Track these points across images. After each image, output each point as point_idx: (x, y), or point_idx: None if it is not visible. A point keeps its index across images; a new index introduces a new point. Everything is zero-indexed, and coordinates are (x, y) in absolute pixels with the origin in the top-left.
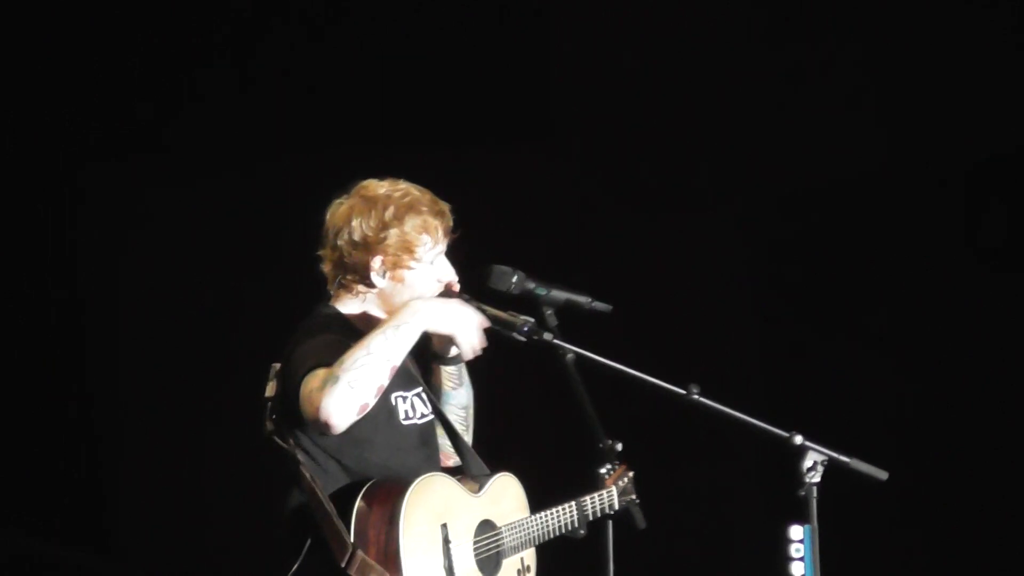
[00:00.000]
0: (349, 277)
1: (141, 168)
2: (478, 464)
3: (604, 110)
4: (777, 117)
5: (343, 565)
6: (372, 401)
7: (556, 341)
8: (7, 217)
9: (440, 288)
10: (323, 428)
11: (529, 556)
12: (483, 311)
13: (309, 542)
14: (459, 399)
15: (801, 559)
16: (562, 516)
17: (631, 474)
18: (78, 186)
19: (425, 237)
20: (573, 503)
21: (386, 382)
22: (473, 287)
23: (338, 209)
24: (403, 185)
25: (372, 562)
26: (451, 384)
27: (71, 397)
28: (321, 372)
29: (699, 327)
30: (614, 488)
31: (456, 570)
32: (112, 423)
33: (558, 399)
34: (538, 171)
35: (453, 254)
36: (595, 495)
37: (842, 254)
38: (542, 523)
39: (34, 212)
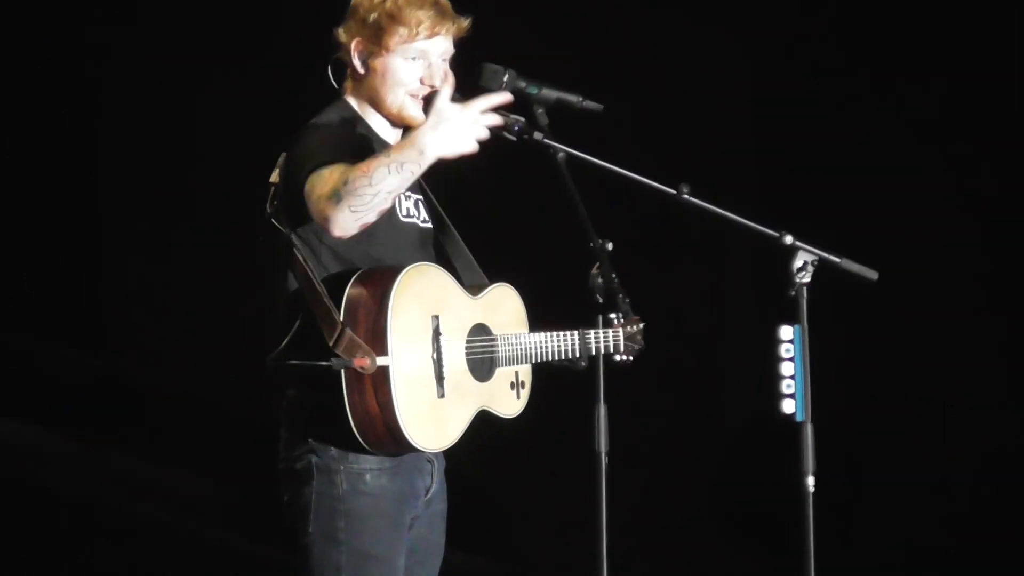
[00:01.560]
0: (346, 63)
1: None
2: (479, 277)
3: None
4: None
5: (331, 343)
6: (373, 219)
7: (547, 140)
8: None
9: (422, 88)
10: (329, 233)
11: (524, 372)
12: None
13: (298, 321)
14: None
15: (791, 359)
16: (563, 341)
17: (642, 325)
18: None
19: (400, 28)
20: (576, 332)
21: (387, 207)
22: (465, 86)
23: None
24: None
25: (360, 341)
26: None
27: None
28: (325, 173)
29: (693, 128)
30: (621, 331)
31: (444, 363)
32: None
33: (550, 201)
34: None
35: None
36: (602, 331)
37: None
38: (542, 342)
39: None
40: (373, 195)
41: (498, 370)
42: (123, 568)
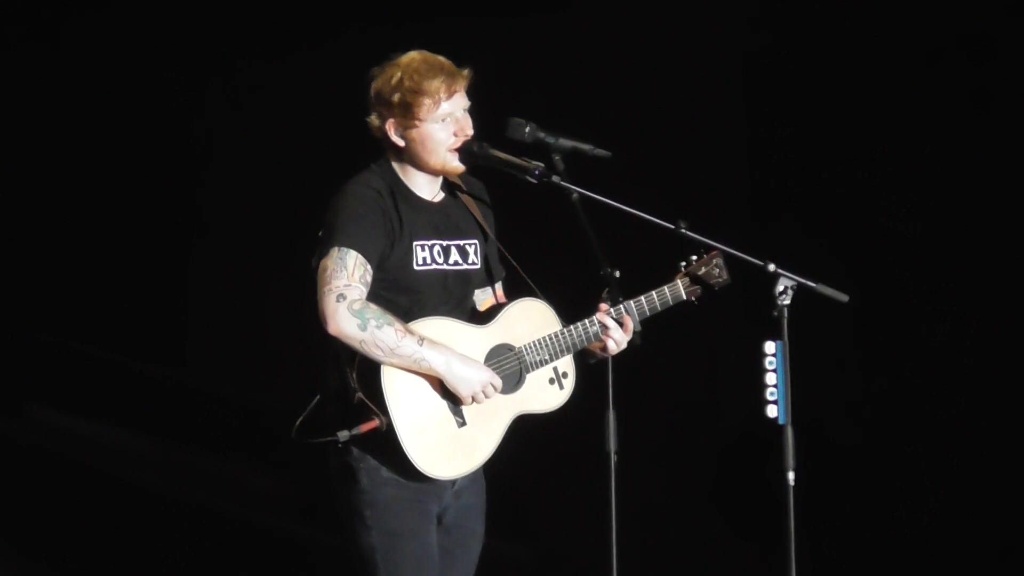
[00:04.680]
0: (381, 137)
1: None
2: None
3: None
4: None
5: (353, 403)
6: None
7: (563, 183)
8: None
9: (457, 140)
10: (322, 321)
11: (565, 363)
12: (500, 157)
13: (329, 378)
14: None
15: (774, 370)
16: (590, 328)
17: (717, 258)
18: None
19: (424, 99)
20: (619, 305)
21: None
22: (493, 137)
23: (371, 77)
24: (414, 54)
25: (370, 404)
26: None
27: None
28: (335, 253)
29: (690, 172)
30: (678, 282)
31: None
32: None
33: (567, 234)
34: (549, 39)
35: (477, 111)
36: (654, 292)
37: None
38: (575, 332)
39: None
40: (383, 355)
41: (529, 375)
42: (198, 553)
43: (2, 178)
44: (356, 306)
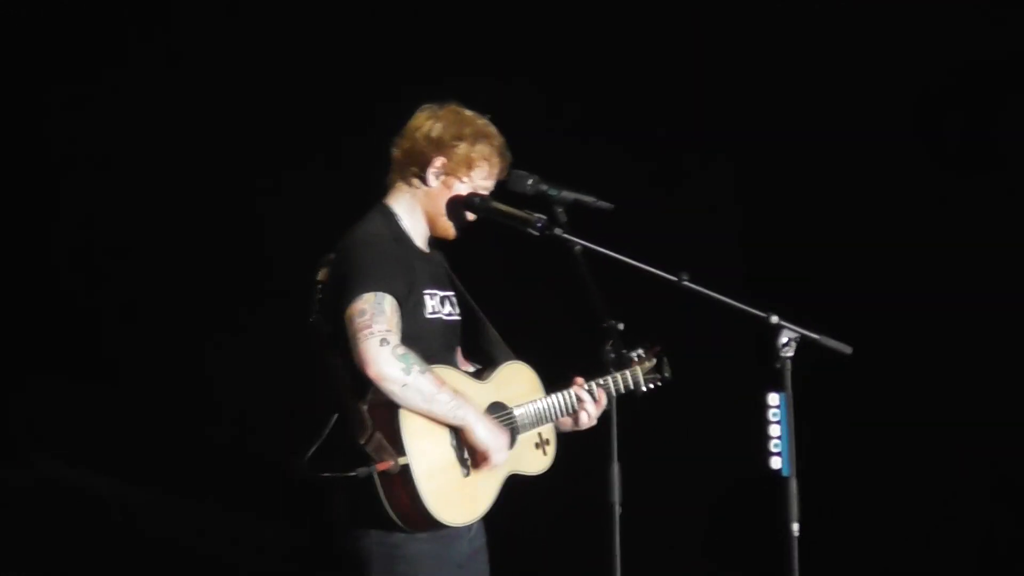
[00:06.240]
0: (412, 168)
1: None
2: (506, 353)
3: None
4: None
5: (362, 442)
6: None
7: (565, 235)
8: None
9: (465, 223)
10: (361, 366)
11: (547, 431)
12: (503, 210)
13: (335, 419)
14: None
15: (777, 422)
16: (570, 398)
17: (660, 357)
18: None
19: (484, 164)
20: (593, 383)
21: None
22: (496, 190)
23: (426, 112)
24: (485, 121)
25: (387, 444)
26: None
27: None
28: (371, 298)
29: (688, 224)
30: (638, 368)
31: (465, 447)
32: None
33: (567, 286)
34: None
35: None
36: (618, 374)
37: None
38: (558, 401)
39: None
40: (422, 401)
41: (520, 436)
42: None
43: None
44: (399, 351)
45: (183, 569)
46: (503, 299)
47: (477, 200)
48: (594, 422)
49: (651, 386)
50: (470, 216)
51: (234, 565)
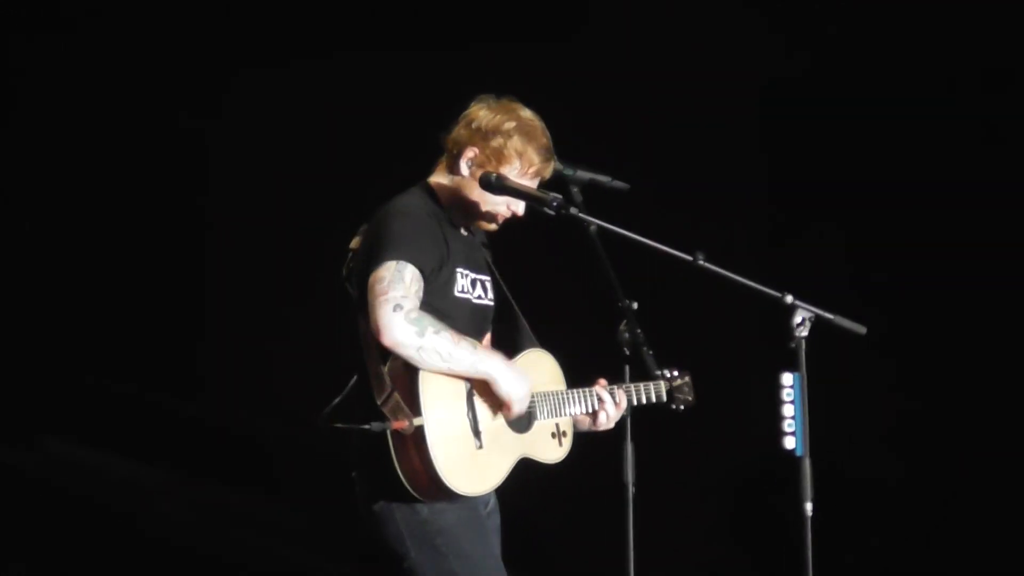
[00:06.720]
0: (452, 153)
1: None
2: (533, 344)
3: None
4: None
5: (379, 402)
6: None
7: (581, 214)
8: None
9: (504, 215)
10: (375, 332)
11: (565, 423)
12: (519, 189)
13: (355, 378)
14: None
15: (791, 401)
16: (591, 397)
17: (688, 380)
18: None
19: (516, 160)
20: (615, 387)
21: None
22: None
23: (482, 102)
24: (537, 119)
25: (403, 404)
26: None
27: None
28: (392, 266)
29: (707, 203)
30: (662, 384)
31: (480, 419)
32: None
33: (582, 266)
34: (565, 66)
35: None
36: (641, 384)
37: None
38: (578, 396)
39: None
40: (440, 361)
41: (536, 423)
42: None
43: (17, 207)
44: (413, 315)
45: (187, 557)
46: (542, 296)
47: (493, 178)
48: (611, 425)
49: (673, 407)
50: (502, 206)
51: (241, 540)
